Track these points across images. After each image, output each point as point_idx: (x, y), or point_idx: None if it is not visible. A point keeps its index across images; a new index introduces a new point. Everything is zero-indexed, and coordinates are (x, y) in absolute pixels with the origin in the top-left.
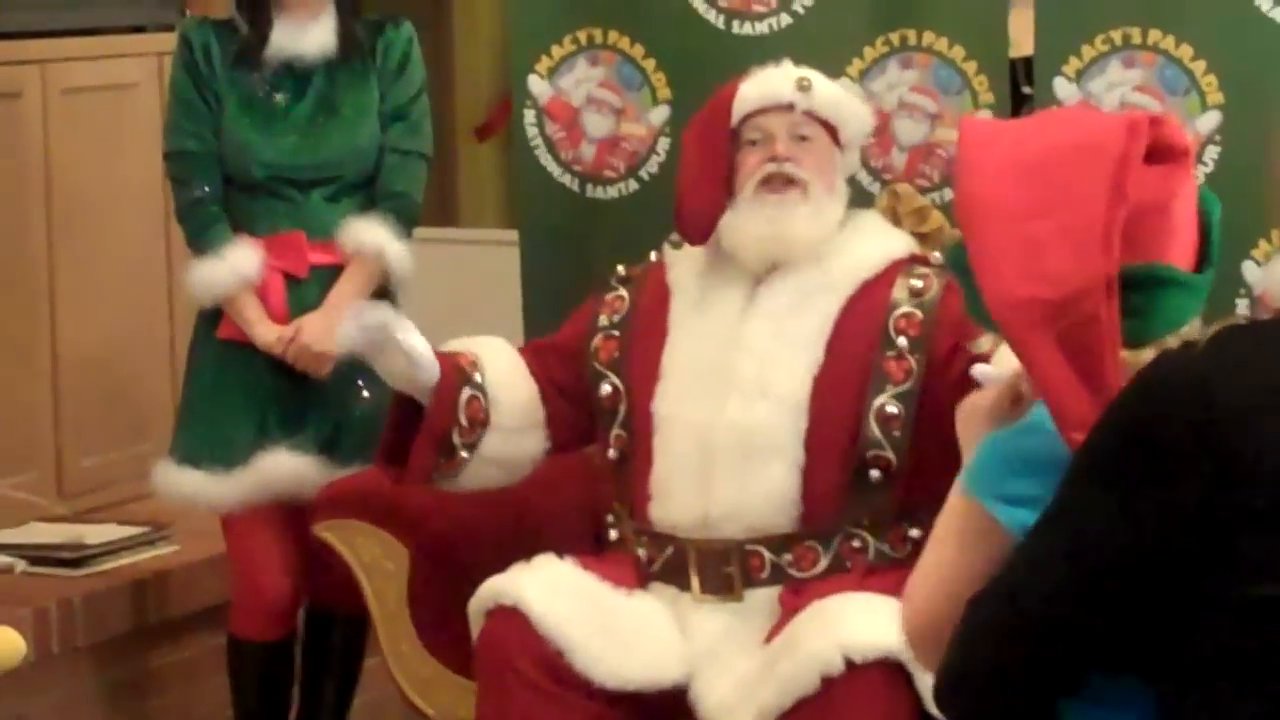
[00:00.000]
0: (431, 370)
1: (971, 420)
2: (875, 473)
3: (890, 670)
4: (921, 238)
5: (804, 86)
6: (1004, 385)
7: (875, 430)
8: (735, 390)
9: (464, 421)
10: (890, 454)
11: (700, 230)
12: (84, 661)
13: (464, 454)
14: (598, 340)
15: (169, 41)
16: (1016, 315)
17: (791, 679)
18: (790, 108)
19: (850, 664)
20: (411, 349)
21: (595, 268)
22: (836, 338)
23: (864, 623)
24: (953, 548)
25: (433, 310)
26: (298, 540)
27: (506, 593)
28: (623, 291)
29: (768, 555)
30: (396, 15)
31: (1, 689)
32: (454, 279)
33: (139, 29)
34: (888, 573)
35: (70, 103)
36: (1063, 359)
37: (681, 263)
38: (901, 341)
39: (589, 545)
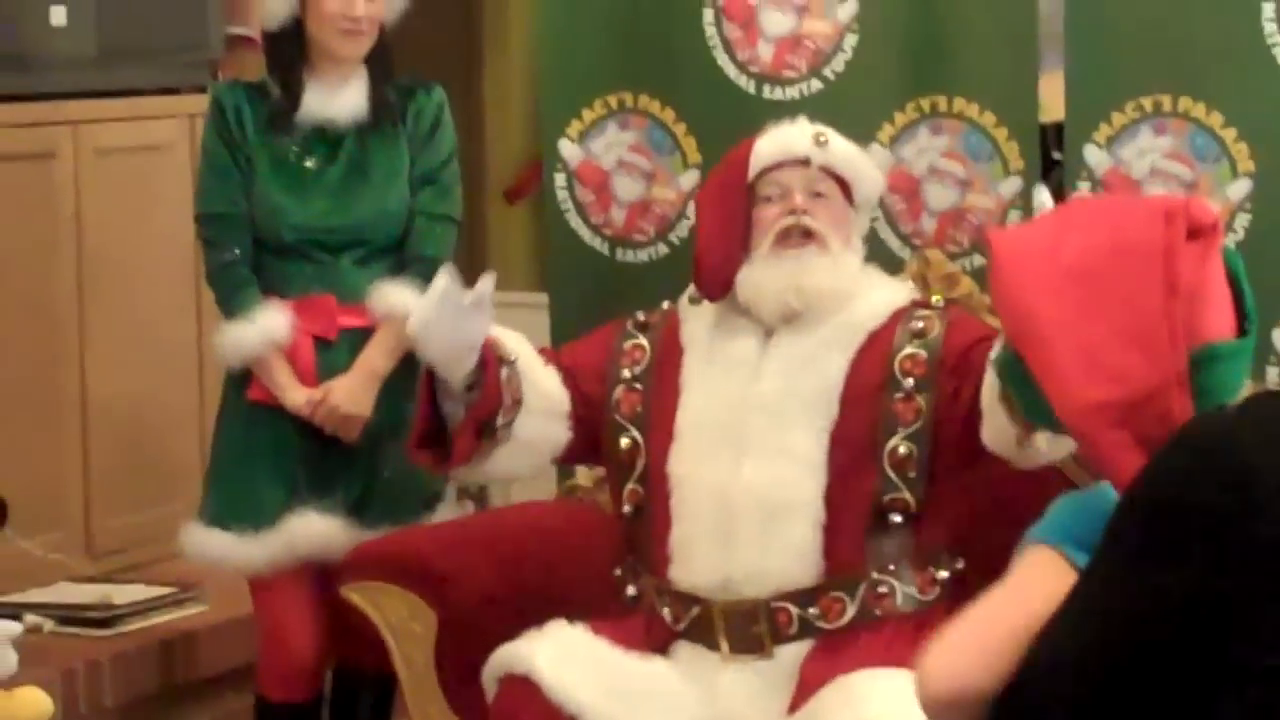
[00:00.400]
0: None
1: None
2: (895, 516)
3: None
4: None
5: (821, 141)
6: None
7: (890, 473)
8: (751, 451)
9: (507, 400)
10: (907, 495)
11: (718, 286)
12: None
13: (502, 434)
14: (619, 392)
15: (201, 103)
16: (1090, 421)
17: None
18: (806, 163)
19: None
20: (481, 296)
21: None
22: (848, 391)
23: (888, 703)
24: (1023, 597)
25: None
26: (325, 602)
27: (516, 661)
28: (642, 340)
29: (795, 611)
30: (428, 80)
31: None
32: None
33: (171, 90)
34: (916, 622)
35: (102, 163)
36: (1141, 455)
37: (694, 318)
38: (909, 383)
39: (615, 608)
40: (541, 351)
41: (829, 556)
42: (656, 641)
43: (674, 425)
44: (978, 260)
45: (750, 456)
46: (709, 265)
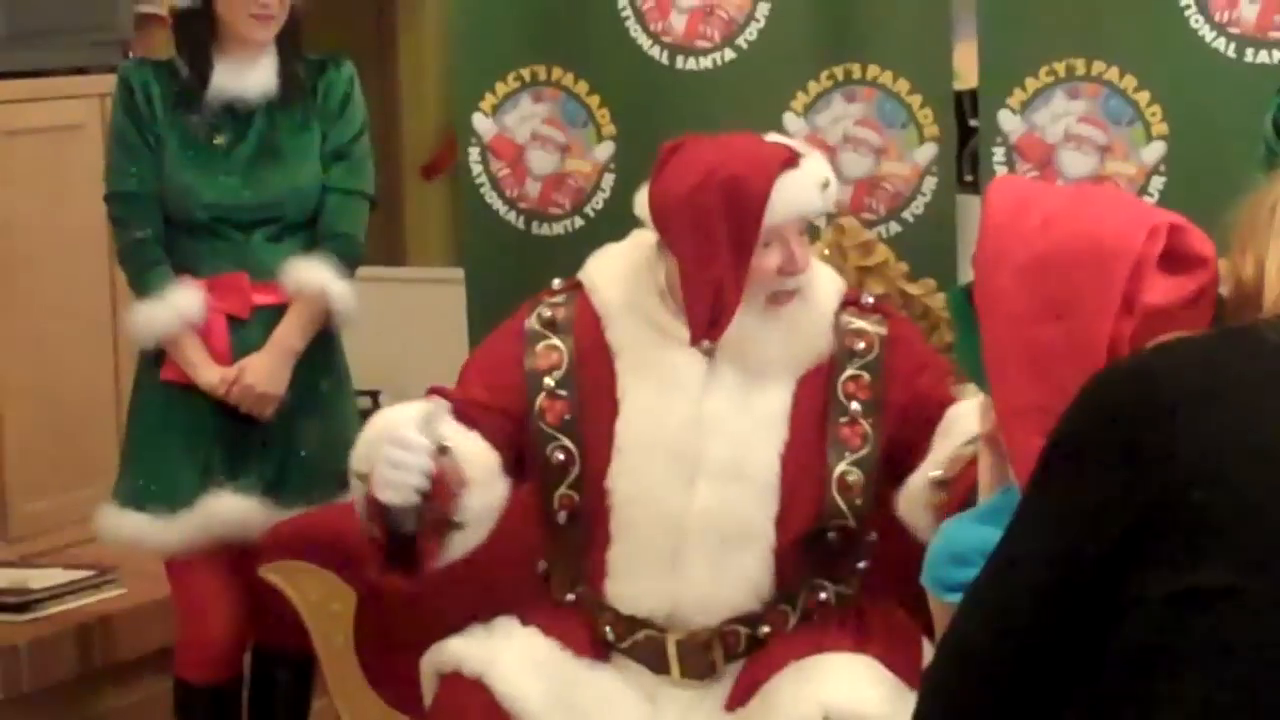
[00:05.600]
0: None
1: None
2: (833, 535)
3: None
4: (866, 271)
5: (826, 186)
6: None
7: (838, 500)
8: (706, 474)
9: (456, 492)
10: (851, 521)
11: (718, 335)
12: (30, 707)
13: (460, 523)
14: (542, 400)
15: (112, 83)
16: (1020, 423)
17: None
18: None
19: None
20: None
21: None
22: (797, 410)
23: (845, 684)
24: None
25: (379, 349)
26: (243, 581)
27: (468, 661)
28: (555, 341)
29: (744, 631)
30: (338, 55)
31: None
32: (400, 317)
33: (81, 71)
34: (843, 615)
35: (12, 144)
36: None
37: (620, 320)
38: (855, 406)
39: (536, 588)
40: (433, 391)
41: (777, 578)
42: (599, 651)
43: (613, 438)
44: (894, 228)
45: (704, 479)
46: (724, 320)
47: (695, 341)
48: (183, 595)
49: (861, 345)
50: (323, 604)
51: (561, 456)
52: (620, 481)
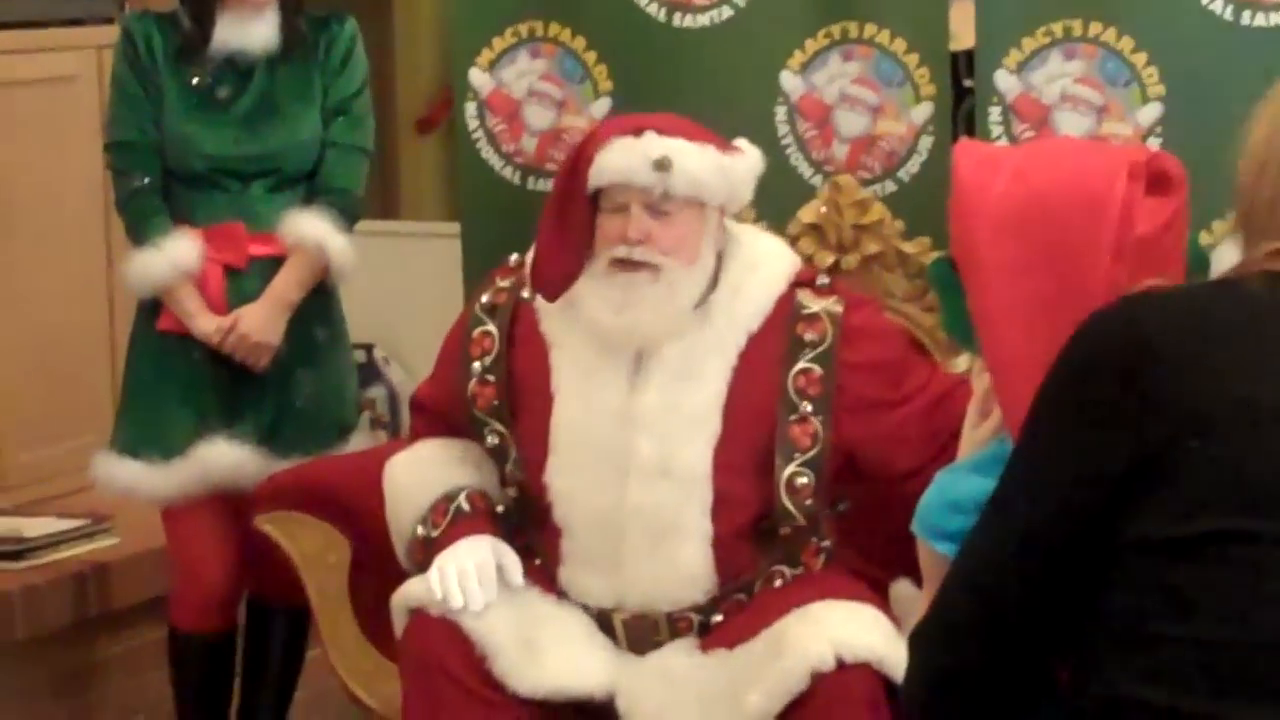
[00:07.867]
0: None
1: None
2: (785, 529)
3: (876, 674)
4: (862, 229)
5: (663, 167)
6: (977, 400)
7: (788, 504)
8: (635, 471)
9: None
10: (802, 520)
11: (554, 292)
12: (24, 655)
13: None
14: (473, 386)
15: (107, 34)
16: (1016, 376)
17: (780, 680)
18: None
19: (840, 663)
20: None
21: None
22: (731, 404)
23: (852, 625)
24: (925, 594)
25: (374, 303)
26: (238, 532)
27: (434, 597)
28: (490, 327)
29: (696, 618)
30: (340, 11)
31: None
32: (396, 272)
33: (77, 22)
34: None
35: (8, 96)
36: None
37: (555, 314)
38: (805, 406)
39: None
40: (416, 397)
41: (720, 571)
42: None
43: (548, 434)
44: (889, 186)
45: (634, 477)
46: (545, 273)
47: (545, 296)
48: (178, 544)
49: (813, 335)
50: (318, 555)
51: (496, 440)
52: (556, 479)
